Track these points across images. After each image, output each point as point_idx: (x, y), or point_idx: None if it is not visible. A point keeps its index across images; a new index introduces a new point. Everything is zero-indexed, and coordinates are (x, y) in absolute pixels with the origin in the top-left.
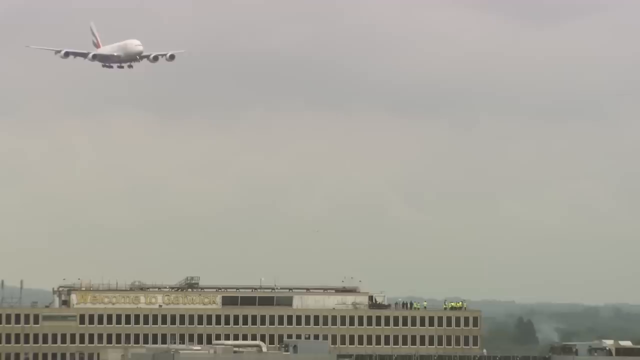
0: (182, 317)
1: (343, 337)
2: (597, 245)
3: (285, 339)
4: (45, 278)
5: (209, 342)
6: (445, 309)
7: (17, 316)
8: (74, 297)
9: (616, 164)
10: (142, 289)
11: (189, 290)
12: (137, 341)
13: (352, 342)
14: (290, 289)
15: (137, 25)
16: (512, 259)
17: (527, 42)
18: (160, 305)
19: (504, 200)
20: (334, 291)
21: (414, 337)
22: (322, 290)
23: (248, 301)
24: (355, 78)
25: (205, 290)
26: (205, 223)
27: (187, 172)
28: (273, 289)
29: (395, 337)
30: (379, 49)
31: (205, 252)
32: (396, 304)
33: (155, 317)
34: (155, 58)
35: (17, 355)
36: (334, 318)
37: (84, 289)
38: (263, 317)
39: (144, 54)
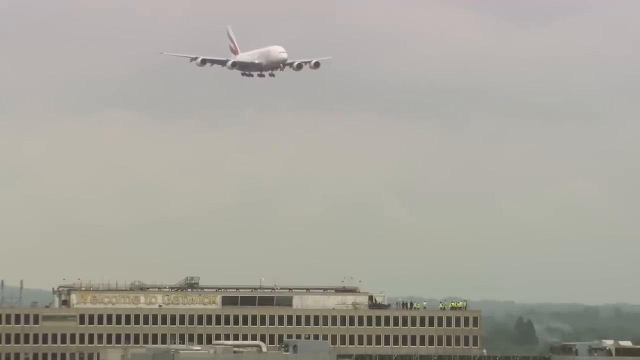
0: (182, 317)
1: (343, 337)
2: (597, 246)
3: (285, 339)
4: (45, 278)
5: (209, 342)
6: (442, 309)
7: (17, 316)
8: (73, 297)
9: (610, 163)
10: (142, 289)
11: (189, 290)
12: (137, 341)
13: (352, 342)
14: (290, 289)
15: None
16: (512, 259)
17: (518, 42)
18: (160, 305)
19: (502, 200)
20: (334, 291)
21: (414, 337)
22: (322, 290)
23: (248, 301)
24: (346, 78)
25: (205, 290)
26: (204, 223)
27: (182, 172)
28: (273, 289)
29: (395, 337)
30: (370, 49)
31: (205, 252)
32: (397, 303)
33: (155, 317)
34: (299, 66)
35: (17, 355)
36: (334, 318)
37: (83, 289)
38: (263, 317)
39: (288, 61)
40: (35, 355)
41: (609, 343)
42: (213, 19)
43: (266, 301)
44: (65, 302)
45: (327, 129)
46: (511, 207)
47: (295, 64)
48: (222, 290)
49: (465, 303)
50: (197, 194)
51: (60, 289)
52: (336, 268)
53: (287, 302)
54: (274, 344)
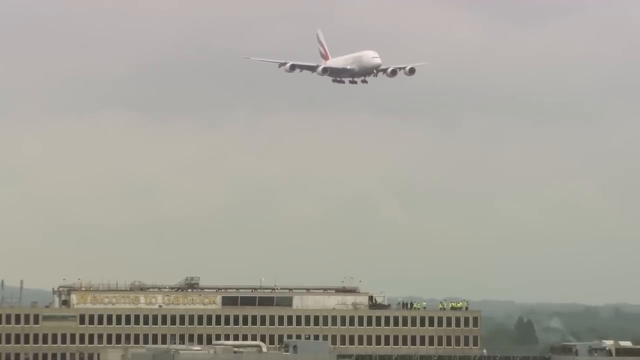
0: (182, 317)
1: (343, 337)
2: (597, 246)
3: (285, 339)
4: (45, 278)
5: (209, 342)
6: (442, 309)
7: (17, 316)
8: (74, 297)
9: (608, 163)
10: (142, 289)
11: (189, 290)
12: (137, 341)
13: (352, 342)
14: (290, 289)
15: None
16: (512, 259)
17: (514, 42)
18: (160, 306)
19: (502, 200)
20: (334, 291)
21: (414, 337)
22: (322, 291)
23: (248, 301)
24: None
25: (205, 290)
26: (204, 223)
27: (183, 172)
28: (273, 289)
29: (395, 337)
30: (365, 49)
31: (205, 252)
32: (398, 304)
33: (155, 317)
34: (394, 72)
35: (17, 355)
36: (334, 318)
37: (84, 289)
38: (263, 317)
39: (382, 67)
40: (35, 355)
41: (609, 343)
42: (212, 18)
43: (266, 301)
44: (65, 302)
45: (326, 129)
46: (511, 207)
47: (390, 69)
48: (222, 290)
49: (465, 303)
50: (198, 194)
51: (60, 289)
52: (336, 268)
53: (287, 302)
54: (274, 344)
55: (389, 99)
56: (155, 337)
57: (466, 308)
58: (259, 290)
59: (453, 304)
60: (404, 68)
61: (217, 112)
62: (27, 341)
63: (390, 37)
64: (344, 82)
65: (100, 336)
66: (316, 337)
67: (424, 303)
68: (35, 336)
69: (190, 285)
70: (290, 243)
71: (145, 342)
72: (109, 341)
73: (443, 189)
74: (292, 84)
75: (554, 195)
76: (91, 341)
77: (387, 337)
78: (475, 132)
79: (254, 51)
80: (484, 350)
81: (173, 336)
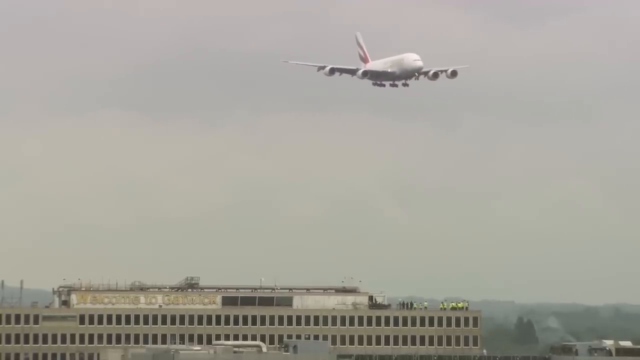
0: (182, 317)
1: (343, 337)
2: (597, 246)
3: (285, 339)
4: (45, 278)
5: (209, 342)
6: (442, 309)
7: (17, 316)
8: (74, 297)
9: (607, 163)
10: (142, 289)
11: (189, 290)
12: (137, 341)
13: (352, 342)
14: (290, 289)
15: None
16: (512, 259)
17: (513, 42)
18: (160, 306)
19: (501, 200)
20: (334, 291)
21: (414, 337)
22: (322, 291)
23: (248, 301)
24: (341, 78)
25: (205, 290)
26: (204, 223)
27: (183, 172)
28: (273, 289)
29: (395, 337)
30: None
31: (205, 252)
32: (398, 304)
33: (155, 317)
34: (435, 75)
35: (17, 355)
36: (334, 318)
37: (83, 289)
38: (263, 317)
39: (424, 70)
40: (35, 356)
41: (609, 343)
42: (210, 18)
43: (266, 301)
44: (65, 302)
45: (326, 129)
46: (511, 207)
47: (431, 72)
48: (222, 290)
49: (466, 303)
50: (198, 194)
51: (60, 289)
52: (336, 268)
53: (287, 302)
54: (274, 344)
55: (388, 98)
56: (155, 337)
57: (466, 308)
58: (259, 290)
59: (453, 304)
60: (445, 71)
61: (217, 112)
62: (27, 341)
63: (389, 37)
64: (384, 85)
65: (100, 336)
66: (316, 337)
67: (425, 303)
68: (35, 336)
69: (190, 285)
70: (290, 243)
71: (145, 342)
72: (109, 341)
73: (443, 189)
74: (291, 84)
75: (553, 195)
76: (91, 341)
77: (387, 337)
78: (475, 132)
79: (253, 51)
80: (484, 350)
81: (173, 336)
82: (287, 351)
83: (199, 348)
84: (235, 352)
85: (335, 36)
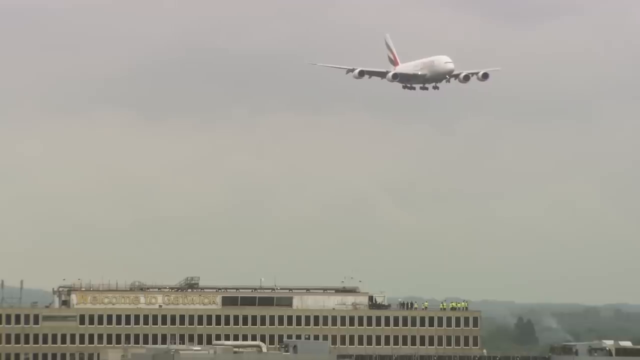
0: (182, 317)
1: (343, 338)
2: (597, 246)
3: (285, 339)
4: (45, 278)
5: (209, 342)
6: (442, 309)
7: (17, 316)
8: (74, 297)
9: (606, 163)
10: (142, 289)
11: (189, 290)
12: (137, 341)
13: (352, 343)
14: (290, 289)
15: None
16: (511, 259)
17: (510, 42)
18: (160, 306)
19: (501, 200)
20: (333, 291)
21: (414, 338)
22: (322, 291)
23: (248, 301)
24: (339, 78)
25: (205, 290)
26: (204, 223)
27: (182, 172)
28: (273, 289)
29: (395, 337)
30: (363, 49)
31: (205, 252)
32: (398, 304)
33: (155, 317)
34: (467, 77)
35: (17, 355)
36: (334, 318)
37: (83, 289)
38: (263, 318)
39: (454, 72)
40: (35, 356)
41: (609, 343)
42: (207, 18)
43: (266, 301)
44: (66, 303)
45: (325, 129)
46: (510, 207)
47: (462, 75)
48: (222, 290)
49: (466, 304)
50: (197, 194)
51: (60, 289)
52: (336, 268)
53: (287, 302)
54: (274, 344)
55: (387, 98)
56: (155, 337)
57: (466, 308)
58: (259, 290)
59: (453, 304)
60: (476, 73)
61: (215, 112)
62: (27, 341)
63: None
64: (414, 88)
65: (100, 336)
66: (316, 337)
67: (426, 303)
68: (35, 336)
69: (190, 285)
70: (290, 243)
71: (145, 342)
72: (109, 341)
73: (443, 189)
74: (289, 84)
75: (553, 195)
76: (91, 341)
77: (387, 337)
78: (474, 132)
79: (251, 51)
80: (484, 350)
81: (173, 336)
82: (287, 351)
83: (199, 348)
84: (235, 352)
85: (336, 36)
